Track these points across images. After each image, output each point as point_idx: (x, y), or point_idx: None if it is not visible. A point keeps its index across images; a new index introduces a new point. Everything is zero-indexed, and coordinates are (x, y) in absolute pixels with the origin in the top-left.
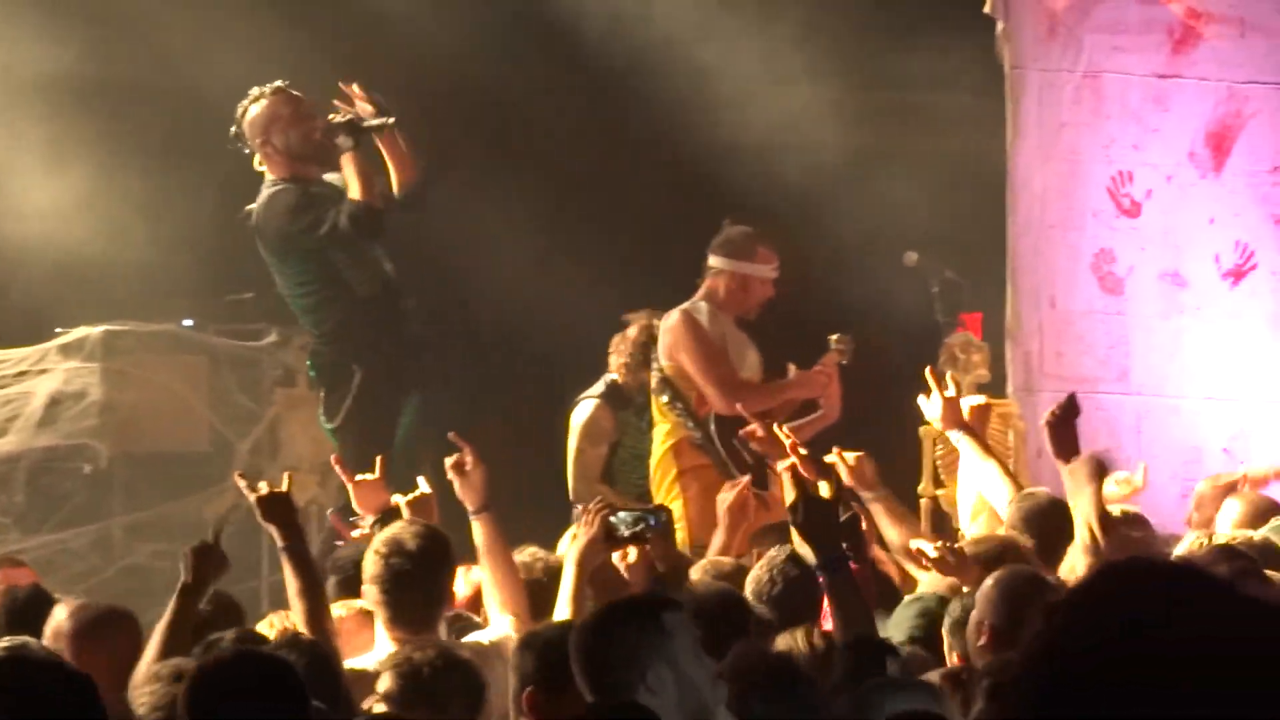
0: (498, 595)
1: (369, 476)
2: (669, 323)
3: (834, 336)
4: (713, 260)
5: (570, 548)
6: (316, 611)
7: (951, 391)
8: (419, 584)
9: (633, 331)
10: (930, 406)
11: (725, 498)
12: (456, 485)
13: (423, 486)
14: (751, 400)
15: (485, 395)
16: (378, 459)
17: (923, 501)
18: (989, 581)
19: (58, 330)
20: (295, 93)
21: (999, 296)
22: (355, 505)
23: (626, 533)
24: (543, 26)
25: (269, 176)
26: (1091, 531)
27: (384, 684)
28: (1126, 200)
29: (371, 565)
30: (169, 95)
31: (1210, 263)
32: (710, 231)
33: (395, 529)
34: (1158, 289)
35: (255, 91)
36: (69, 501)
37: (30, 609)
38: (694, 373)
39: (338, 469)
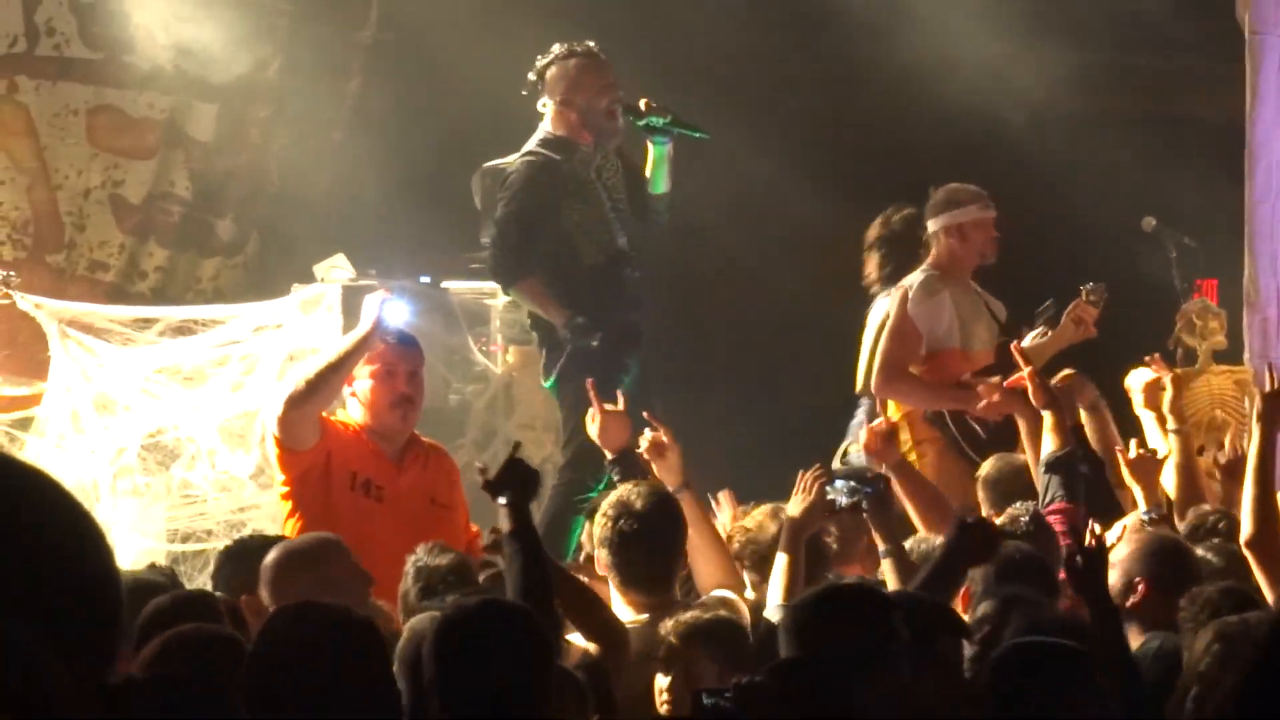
0: (706, 569)
1: (618, 407)
2: (893, 296)
3: (1087, 286)
4: (929, 225)
5: (789, 512)
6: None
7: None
8: (648, 544)
9: None
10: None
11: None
12: (655, 466)
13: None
14: (903, 396)
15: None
16: (619, 394)
17: None
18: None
19: (295, 286)
20: (603, 59)
21: (1236, 262)
22: (598, 440)
23: (844, 501)
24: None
25: (544, 128)
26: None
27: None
28: None
29: (600, 529)
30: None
31: None
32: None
33: (621, 492)
34: None
35: (563, 48)
36: None
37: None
38: (880, 346)
39: (590, 393)
